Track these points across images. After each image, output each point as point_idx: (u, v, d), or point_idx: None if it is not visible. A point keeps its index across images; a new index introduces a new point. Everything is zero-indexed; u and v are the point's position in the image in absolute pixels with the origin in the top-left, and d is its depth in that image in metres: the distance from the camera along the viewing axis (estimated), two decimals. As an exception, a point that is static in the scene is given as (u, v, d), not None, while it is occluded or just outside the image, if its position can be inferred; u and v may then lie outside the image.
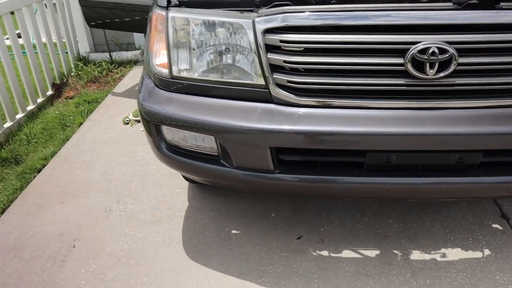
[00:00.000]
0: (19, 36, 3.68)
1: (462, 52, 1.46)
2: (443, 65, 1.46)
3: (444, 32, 1.46)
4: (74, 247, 2.25)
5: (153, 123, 1.73)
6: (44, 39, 3.95)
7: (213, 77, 1.64)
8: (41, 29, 3.89)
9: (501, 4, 1.47)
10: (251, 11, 1.59)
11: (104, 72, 4.40)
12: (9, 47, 3.52)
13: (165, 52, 1.68)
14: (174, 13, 1.65)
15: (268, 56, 1.54)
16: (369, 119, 1.49)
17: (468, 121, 1.49)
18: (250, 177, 1.65)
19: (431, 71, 1.46)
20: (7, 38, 3.82)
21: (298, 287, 1.93)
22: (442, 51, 1.44)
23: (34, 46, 3.82)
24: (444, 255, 2.07)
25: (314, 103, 1.54)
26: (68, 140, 3.29)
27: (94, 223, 2.41)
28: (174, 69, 1.68)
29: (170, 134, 1.74)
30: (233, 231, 2.29)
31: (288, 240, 2.21)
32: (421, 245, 2.13)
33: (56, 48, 4.20)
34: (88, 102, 3.84)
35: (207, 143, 1.68)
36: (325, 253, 2.12)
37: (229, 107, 1.62)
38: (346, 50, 1.49)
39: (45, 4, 4.00)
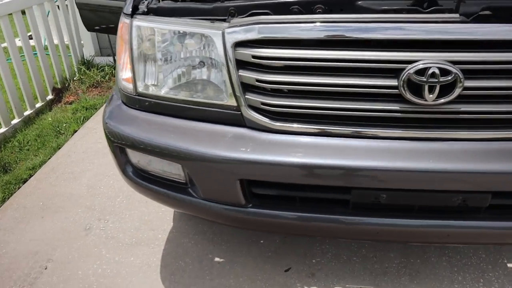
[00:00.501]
0: (30, 37, 3.61)
1: (469, 74, 1.22)
2: (446, 89, 1.22)
3: (448, 50, 1.22)
4: (46, 268, 2.10)
5: (116, 144, 1.55)
6: (45, 42, 3.85)
7: (180, 95, 1.44)
8: (43, 31, 3.79)
9: (518, 16, 1.23)
10: (225, 20, 1.39)
11: (107, 77, 4.27)
12: (6, 49, 3.43)
13: (130, 65, 1.50)
14: (139, 22, 1.46)
15: (240, 73, 1.33)
16: (354, 151, 1.26)
17: (475, 156, 1.25)
18: (220, 211, 1.44)
19: (431, 95, 1.22)
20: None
21: (279, 330, 1.72)
22: (445, 72, 1.20)
23: (35, 49, 3.72)
24: (449, 299, 1.82)
25: (291, 129, 1.33)
26: (59, 148, 3.16)
27: (71, 242, 2.25)
28: (139, 84, 1.49)
29: (135, 157, 1.56)
30: (216, 259, 2.09)
31: (275, 272, 2.00)
32: (423, 285, 1.88)
33: (58, 51, 4.10)
34: (86, 109, 3.71)
35: (174, 169, 1.48)
36: (314, 289, 1.89)
37: (197, 130, 1.42)
38: (329, 68, 1.27)
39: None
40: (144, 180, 1.58)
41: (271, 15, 1.39)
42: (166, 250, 2.17)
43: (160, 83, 1.46)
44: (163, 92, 1.47)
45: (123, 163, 1.59)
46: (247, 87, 1.34)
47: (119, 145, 1.54)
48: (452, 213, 1.31)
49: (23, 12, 3.50)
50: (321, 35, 1.26)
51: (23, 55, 3.60)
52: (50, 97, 3.93)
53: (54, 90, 3.98)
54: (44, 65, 3.82)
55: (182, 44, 1.41)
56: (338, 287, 1.89)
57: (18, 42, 3.56)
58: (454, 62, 1.20)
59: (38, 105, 3.76)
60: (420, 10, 1.32)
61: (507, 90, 1.24)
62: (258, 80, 1.31)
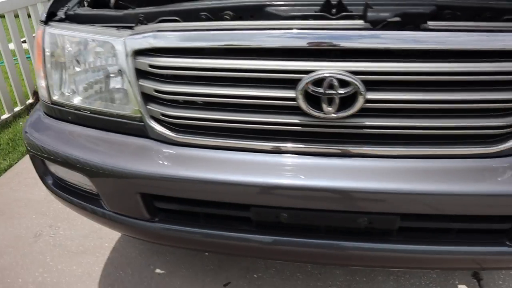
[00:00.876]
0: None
1: (371, 86, 1.14)
2: (348, 101, 1.14)
3: (348, 59, 1.14)
4: (-12, 275, 2.08)
5: (32, 154, 1.51)
6: (26, 45, 3.88)
7: (89, 104, 1.40)
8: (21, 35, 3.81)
9: (429, 24, 1.14)
10: (132, 27, 1.34)
11: (90, 81, 4.27)
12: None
13: (44, 73, 1.46)
14: (51, 29, 1.43)
15: (140, 83, 1.28)
16: (250, 166, 1.19)
17: (380, 174, 1.16)
18: (129, 224, 1.39)
19: (330, 108, 1.14)
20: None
21: None
22: (344, 83, 1.12)
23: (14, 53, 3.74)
24: (390, 321, 1.72)
25: (192, 142, 1.26)
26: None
27: (18, 249, 2.23)
28: (52, 92, 1.46)
29: (53, 166, 1.52)
30: (157, 270, 2.04)
31: (214, 286, 1.93)
32: (365, 305, 1.79)
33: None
34: (63, 113, 3.70)
35: (86, 180, 1.44)
36: (249, 306, 1.82)
37: (105, 141, 1.37)
38: (226, 78, 1.20)
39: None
40: (62, 190, 1.54)
41: (179, 22, 1.33)
42: (110, 259, 2.12)
43: (71, 92, 1.42)
44: (74, 101, 1.43)
45: (42, 172, 1.56)
46: (148, 98, 1.29)
47: (34, 154, 1.50)
48: (360, 235, 1.23)
49: (2, 16, 3.53)
50: (213, 43, 1.19)
51: (2, 62, 3.63)
52: (30, 101, 3.95)
53: (35, 93, 3.99)
54: (25, 69, 3.84)
55: (91, 52, 1.37)
56: (275, 305, 1.82)
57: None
58: (355, 73, 1.12)
59: (17, 109, 3.77)
60: (328, 17, 1.24)
61: (414, 104, 1.15)
62: (156, 91, 1.25)
